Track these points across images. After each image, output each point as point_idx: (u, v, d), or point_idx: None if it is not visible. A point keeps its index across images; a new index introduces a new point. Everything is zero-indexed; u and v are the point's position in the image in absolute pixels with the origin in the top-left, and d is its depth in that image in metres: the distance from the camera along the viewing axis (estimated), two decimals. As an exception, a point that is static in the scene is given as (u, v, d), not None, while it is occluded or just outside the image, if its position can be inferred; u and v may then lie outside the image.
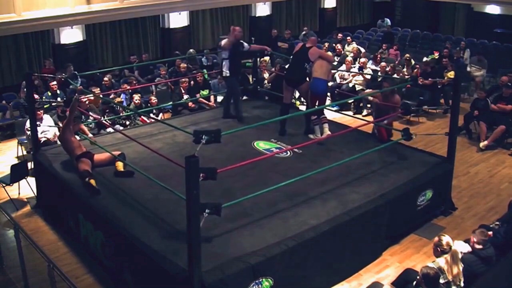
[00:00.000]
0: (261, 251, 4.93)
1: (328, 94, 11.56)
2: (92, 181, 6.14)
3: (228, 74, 8.19)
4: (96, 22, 12.49)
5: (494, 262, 5.07)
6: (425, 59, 12.74)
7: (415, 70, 11.64)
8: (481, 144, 9.31)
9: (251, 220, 5.48)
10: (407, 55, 12.49)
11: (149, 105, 9.89)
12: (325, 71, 7.55)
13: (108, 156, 6.74)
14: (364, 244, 5.92)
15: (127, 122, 9.22)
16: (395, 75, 11.27)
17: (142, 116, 9.16)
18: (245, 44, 8.38)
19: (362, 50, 13.34)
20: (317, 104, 7.54)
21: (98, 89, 9.79)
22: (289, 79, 7.85)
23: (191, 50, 13.31)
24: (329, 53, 12.69)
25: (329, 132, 7.40)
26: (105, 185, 6.31)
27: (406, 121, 10.60)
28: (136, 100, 9.46)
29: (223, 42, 8.28)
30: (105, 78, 10.62)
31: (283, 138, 7.68)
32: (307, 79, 7.71)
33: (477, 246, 5.06)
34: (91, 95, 8.96)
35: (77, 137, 7.56)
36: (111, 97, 9.88)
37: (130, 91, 10.02)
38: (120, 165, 6.62)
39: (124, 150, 7.24)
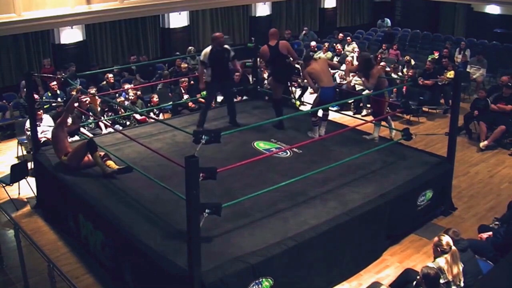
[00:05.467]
0: (261, 251, 4.93)
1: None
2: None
3: (208, 80, 7.86)
4: (96, 22, 12.50)
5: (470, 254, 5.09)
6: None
7: (406, 70, 11.63)
8: (481, 144, 9.31)
9: (251, 220, 5.48)
10: (407, 57, 12.45)
11: (149, 104, 9.90)
12: (329, 76, 7.59)
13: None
14: (364, 244, 5.91)
15: (128, 123, 9.22)
16: (392, 75, 11.27)
17: (139, 115, 9.17)
18: (232, 53, 8.03)
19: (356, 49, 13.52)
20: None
21: (95, 89, 9.80)
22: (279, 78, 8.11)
23: (190, 48, 13.32)
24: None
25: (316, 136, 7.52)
26: (105, 185, 6.31)
27: (406, 121, 10.61)
28: (131, 96, 9.47)
29: (204, 51, 7.83)
30: (110, 75, 10.65)
31: (283, 138, 7.68)
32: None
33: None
34: (91, 94, 8.98)
35: (77, 137, 7.59)
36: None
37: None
38: (112, 164, 6.57)
39: (124, 150, 7.26)
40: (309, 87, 9.86)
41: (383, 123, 8.16)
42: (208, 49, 7.73)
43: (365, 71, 7.74)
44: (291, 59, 8.05)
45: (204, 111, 8.13)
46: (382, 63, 11.73)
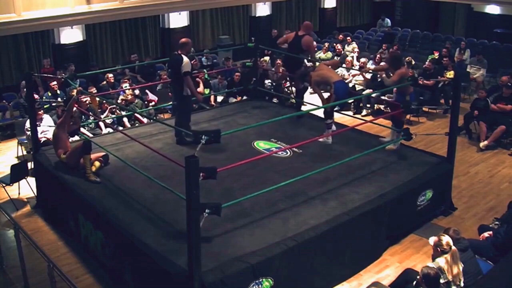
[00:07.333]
0: (261, 251, 4.93)
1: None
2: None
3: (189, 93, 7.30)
4: (96, 22, 12.50)
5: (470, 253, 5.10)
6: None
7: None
8: (481, 144, 9.31)
9: (251, 220, 5.48)
10: (409, 57, 12.43)
11: (149, 105, 9.90)
12: (335, 72, 7.81)
13: (94, 156, 6.74)
14: (364, 244, 5.91)
15: (128, 125, 9.22)
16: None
17: (138, 116, 9.18)
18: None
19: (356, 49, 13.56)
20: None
21: (94, 89, 9.80)
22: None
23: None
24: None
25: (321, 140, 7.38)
26: (105, 185, 6.31)
27: (406, 121, 10.59)
28: (128, 96, 9.47)
29: (186, 60, 7.07)
30: (110, 75, 10.65)
31: (283, 137, 7.68)
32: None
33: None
34: (91, 95, 8.98)
35: (77, 137, 7.59)
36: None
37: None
38: (97, 165, 6.64)
39: (124, 150, 7.26)
40: (309, 88, 9.85)
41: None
42: (186, 58, 7.10)
43: (392, 68, 7.60)
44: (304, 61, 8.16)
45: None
46: (382, 63, 11.73)
